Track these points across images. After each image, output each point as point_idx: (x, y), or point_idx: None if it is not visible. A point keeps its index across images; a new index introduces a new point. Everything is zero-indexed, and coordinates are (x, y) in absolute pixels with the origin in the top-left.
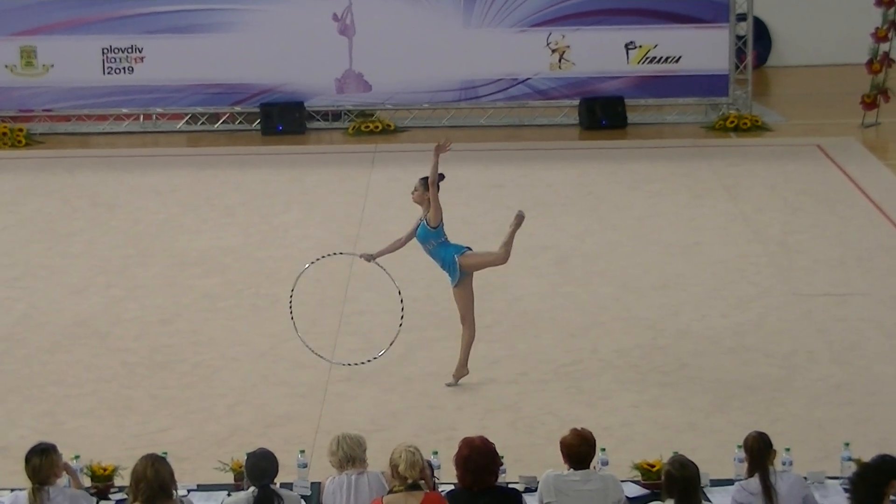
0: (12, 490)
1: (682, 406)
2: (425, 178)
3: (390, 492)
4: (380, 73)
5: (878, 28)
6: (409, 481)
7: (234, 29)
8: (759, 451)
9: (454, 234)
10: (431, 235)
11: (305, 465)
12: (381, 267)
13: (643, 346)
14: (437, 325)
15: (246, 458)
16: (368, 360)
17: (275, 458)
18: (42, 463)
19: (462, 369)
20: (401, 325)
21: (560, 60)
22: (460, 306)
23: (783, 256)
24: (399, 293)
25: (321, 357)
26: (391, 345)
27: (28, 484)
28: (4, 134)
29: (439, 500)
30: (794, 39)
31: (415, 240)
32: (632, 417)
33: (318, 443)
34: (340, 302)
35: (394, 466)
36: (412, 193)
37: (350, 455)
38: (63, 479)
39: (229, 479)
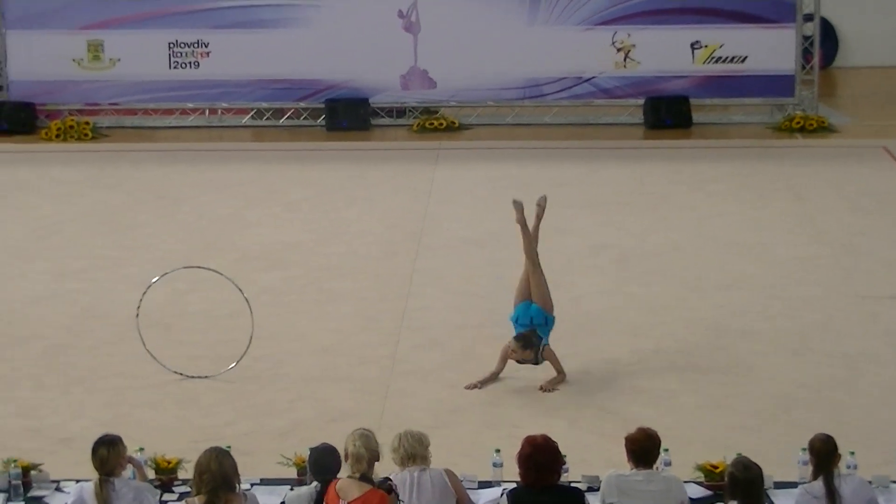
0: (77, 481)
1: (745, 407)
2: (521, 336)
3: (348, 476)
4: (444, 70)
5: None
6: (356, 475)
7: (299, 25)
8: (824, 454)
9: (515, 232)
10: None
11: None
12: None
13: (706, 346)
14: (497, 322)
15: (308, 452)
16: (221, 372)
17: (337, 453)
18: (109, 454)
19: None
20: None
21: (625, 59)
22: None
23: (847, 258)
24: (248, 303)
25: (174, 371)
26: (243, 355)
27: (94, 475)
28: (71, 127)
29: (379, 501)
30: (861, 40)
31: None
32: (694, 418)
33: (380, 439)
34: (404, 297)
35: (346, 454)
36: (513, 353)
37: (411, 452)
38: (128, 471)
39: (292, 473)
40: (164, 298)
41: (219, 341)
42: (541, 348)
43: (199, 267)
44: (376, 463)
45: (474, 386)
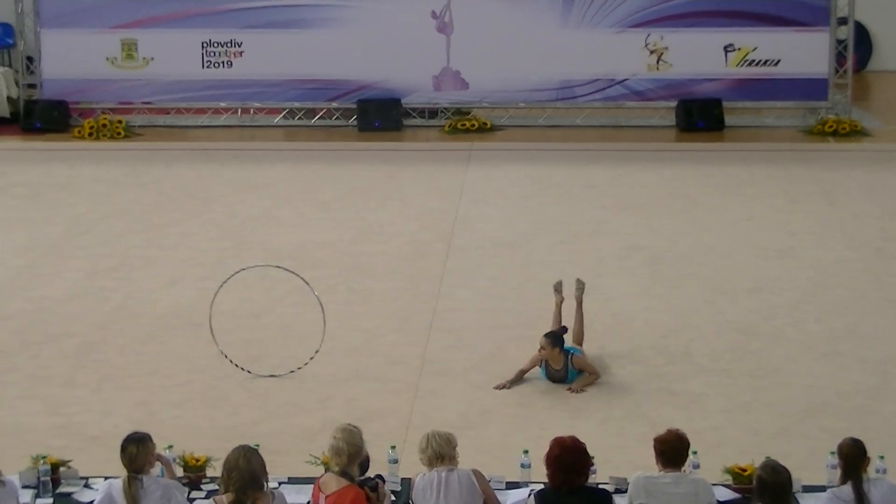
0: (106, 478)
1: (774, 411)
2: (551, 334)
3: (328, 469)
4: (477, 72)
5: None
6: (336, 469)
7: (332, 25)
8: (853, 458)
9: (546, 234)
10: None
11: (396, 461)
12: (301, 277)
13: (736, 350)
14: (526, 323)
15: None
16: (292, 371)
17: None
18: (138, 451)
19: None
20: (322, 339)
21: (658, 62)
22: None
23: (879, 262)
24: (321, 308)
25: (242, 369)
26: (315, 354)
27: (122, 472)
28: (104, 126)
29: (353, 497)
30: (895, 44)
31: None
32: (723, 421)
33: (409, 438)
34: (434, 298)
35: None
36: (542, 350)
37: (439, 453)
38: (156, 469)
39: (320, 472)
40: (194, 297)
41: (247, 340)
42: (570, 356)
43: (275, 266)
44: (388, 462)
45: (503, 386)
